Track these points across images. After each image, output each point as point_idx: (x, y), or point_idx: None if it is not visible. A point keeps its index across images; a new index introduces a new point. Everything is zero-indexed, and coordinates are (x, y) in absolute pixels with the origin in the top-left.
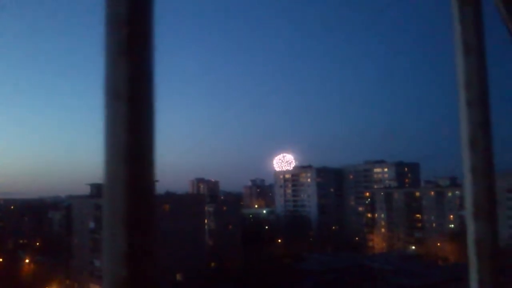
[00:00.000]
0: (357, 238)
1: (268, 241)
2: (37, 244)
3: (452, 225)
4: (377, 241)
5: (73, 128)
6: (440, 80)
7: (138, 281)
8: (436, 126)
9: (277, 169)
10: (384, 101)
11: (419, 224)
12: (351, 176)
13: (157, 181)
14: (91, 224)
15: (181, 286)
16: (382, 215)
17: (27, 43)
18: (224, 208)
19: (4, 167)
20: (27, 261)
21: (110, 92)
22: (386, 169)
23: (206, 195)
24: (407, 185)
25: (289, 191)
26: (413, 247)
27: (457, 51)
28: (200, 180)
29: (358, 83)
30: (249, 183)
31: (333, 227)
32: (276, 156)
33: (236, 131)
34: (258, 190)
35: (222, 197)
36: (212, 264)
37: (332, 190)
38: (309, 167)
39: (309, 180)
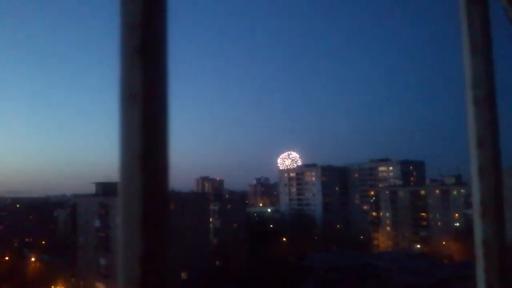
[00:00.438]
0: (362, 237)
1: (273, 240)
2: (43, 242)
3: (458, 224)
4: (382, 240)
5: (80, 127)
6: (446, 78)
7: (153, 283)
8: (441, 124)
9: (282, 167)
10: (389, 99)
11: (424, 223)
12: (356, 175)
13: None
14: (97, 223)
15: (186, 285)
16: (387, 214)
17: (41, 43)
18: (229, 206)
19: (10, 166)
20: (32, 259)
21: (125, 94)
22: (391, 168)
23: (211, 194)
24: (412, 183)
25: (293, 189)
26: (418, 246)
27: (464, 51)
28: (205, 179)
29: (364, 82)
30: (254, 182)
31: (338, 226)
32: (280, 154)
33: (241, 129)
34: (263, 188)
35: (227, 196)
36: (217, 262)
37: (337, 188)
38: (313, 165)
39: (313, 178)
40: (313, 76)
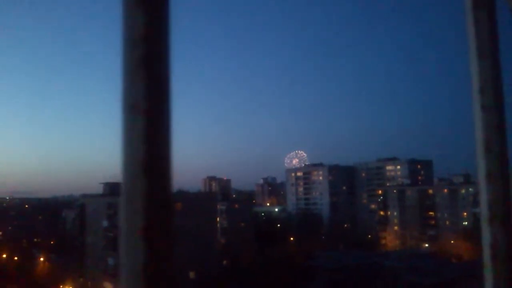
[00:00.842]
0: (369, 236)
1: (280, 239)
2: (51, 242)
3: (466, 223)
4: (390, 239)
5: (87, 129)
6: (454, 78)
7: None
8: (449, 123)
9: (289, 167)
10: (397, 98)
11: (432, 222)
12: (363, 174)
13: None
14: (104, 223)
15: (194, 284)
16: (395, 213)
17: (50, 49)
18: (236, 206)
19: (19, 167)
20: (41, 259)
21: (127, 106)
22: (398, 167)
23: (218, 194)
24: (420, 182)
25: (300, 189)
26: (426, 245)
27: (471, 55)
28: (212, 178)
29: (372, 81)
30: (261, 181)
31: (345, 225)
32: (287, 154)
33: (248, 129)
34: (270, 188)
35: (234, 195)
36: (225, 262)
37: (344, 188)
38: (320, 165)
39: (320, 178)
40: (321, 75)
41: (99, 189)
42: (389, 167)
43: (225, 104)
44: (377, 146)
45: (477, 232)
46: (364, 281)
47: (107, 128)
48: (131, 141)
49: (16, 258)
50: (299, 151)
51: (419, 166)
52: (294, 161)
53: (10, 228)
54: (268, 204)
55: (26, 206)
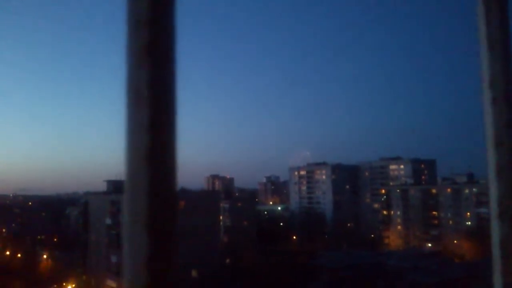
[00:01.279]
0: (372, 235)
1: (283, 238)
2: (55, 240)
3: (469, 222)
4: (393, 238)
5: (91, 126)
6: (458, 76)
7: (160, 285)
8: (453, 123)
9: (292, 165)
10: (400, 97)
11: (436, 221)
12: (366, 173)
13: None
14: (108, 220)
15: (196, 283)
16: (398, 212)
17: (50, 41)
18: (239, 204)
19: (23, 164)
20: (45, 256)
21: (132, 94)
22: (402, 166)
23: (221, 192)
24: (423, 182)
25: (303, 187)
26: (430, 245)
27: (481, 48)
28: (215, 177)
29: (374, 79)
30: (264, 180)
31: (348, 224)
32: (291, 153)
33: (251, 128)
34: (273, 186)
35: (237, 194)
36: (227, 260)
37: (347, 187)
38: (324, 164)
39: (324, 177)
40: (324, 74)
41: (103, 187)
42: (392, 167)
43: (228, 102)
44: (380, 145)
45: (480, 232)
46: (368, 280)
47: (111, 126)
48: (134, 129)
49: (19, 255)
50: (302, 150)
51: (422, 166)
52: (296, 160)
53: (13, 225)
54: (271, 202)
55: (30, 203)
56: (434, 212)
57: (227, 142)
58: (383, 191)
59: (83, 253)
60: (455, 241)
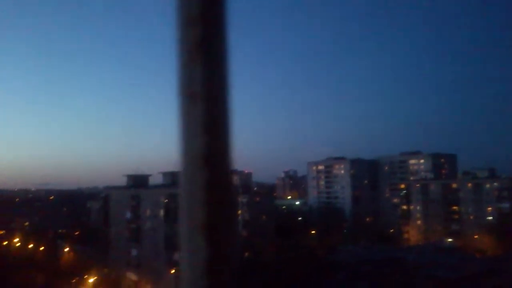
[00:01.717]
0: (391, 230)
1: (302, 233)
2: (76, 233)
3: (490, 217)
4: (413, 233)
5: (111, 121)
6: (479, 69)
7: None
8: (474, 117)
9: (310, 160)
10: (421, 91)
11: (456, 216)
12: (386, 168)
13: None
14: (128, 214)
15: None
16: (418, 207)
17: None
18: (257, 199)
19: (45, 159)
20: (66, 249)
21: (185, 92)
22: (422, 161)
23: (239, 186)
24: (443, 176)
25: (322, 182)
26: (450, 240)
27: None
28: (233, 171)
29: (394, 73)
30: (282, 175)
31: (367, 219)
32: (309, 147)
33: (269, 122)
34: (291, 181)
35: (255, 188)
36: (246, 254)
37: (366, 181)
38: (342, 158)
39: (342, 171)
40: (343, 68)
41: (123, 181)
42: (412, 161)
43: (246, 97)
44: (400, 139)
45: (501, 227)
46: (386, 275)
47: (130, 122)
48: (189, 131)
49: (42, 248)
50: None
51: (443, 160)
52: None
53: (36, 218)
54: (289, 197)
55: (52, 197)
56: (454, 207)
57: (245, 136)
58: (403, 185)
59: (103, 247)
60: (475, 236)
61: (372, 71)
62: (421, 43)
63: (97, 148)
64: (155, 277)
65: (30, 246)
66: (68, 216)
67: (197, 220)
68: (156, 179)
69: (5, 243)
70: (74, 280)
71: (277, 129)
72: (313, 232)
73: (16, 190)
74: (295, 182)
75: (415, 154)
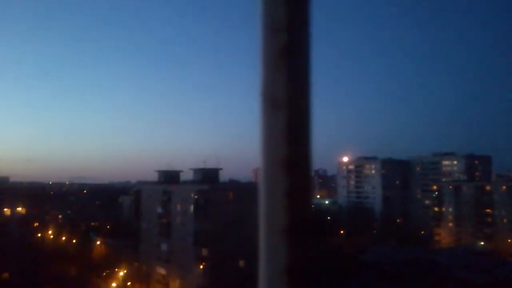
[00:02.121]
0: (422, 232)
1: (331, 232)
2: (108, 227)
3: None
4: (444, 236)
5: (144, 118)
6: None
7: None
8: (510, 118)
9: (341, 159)
10: (455, 91)
11: (489, 219)
12: (418, 168)
13: (221, 169)
14: (159, 210)
15: (243, 272)
16: (450, 209)
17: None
18: None
19: (79, 153)
20: (98, 243)
21: (268, 99)
22: (455, 162)
23: None
24: (477, 178)
25: (352, 182)
26: (482, 243)
27: None
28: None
29: (429, 72)
30: (312, 173)
31: (398, 220)
32: (340, 146)
33: None
34: (321, 180)
35: None
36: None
37: (397, 182)
38: (373, 158)
39: (373, 171)
40: (376, 67)
41: (154, 177)
42: (445, 162)
43: None
44: (434, 140)
45: None
46: (417, 277)
47: (163, 119)
48: (271, 137)
49: (74, 240)
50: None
51: (476, 162)
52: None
53: (69, 212)
54: (318, 196)
55: (85, 191)
56: (487, 210)
57: None
58: (435, 187)
59: (134, 241)
60: (509, 240)
61: (407, 71)
62: (454, 42)
63: (130, 144)
64: (184, 272)
65: (63, 238)
66: (101, 210)
67: (277, 225)
68: (187, 175)
69: (39, 235)
70: (104, 273)
71: None
72: (342, 231)
73: (50, 183)
74: (324, 181)
75: (448, 155)
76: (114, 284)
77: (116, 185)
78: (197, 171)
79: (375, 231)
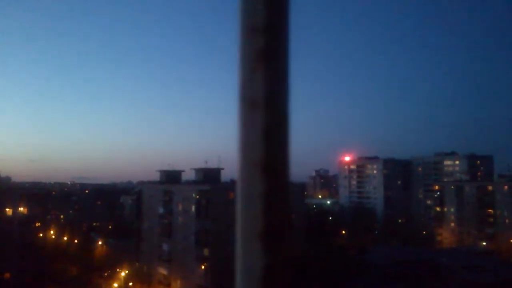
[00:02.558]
0: (424, 232)
1: (332, 232)
2: (109, 227)
3: None
4: (446, 236)
5: (144, 118)
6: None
7: None
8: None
9: (342, 159)
10: (457, 90)
11: (491, 220)
12: (419, 169)
13: (222, 169)
14: (160, 209)
15: None
16: (452, 209)
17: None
18: (288, 197)
19: (80, 154)
20: (99, 243)
21: (245, 100)
22: (457, 162)
23: None
24: (479, 178)
25: (354, 182)
26: (484, 243)
27: None
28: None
29: (431, 71)
30: (313, 174)
31: (400, 220)
32: (341, 146)
33: (301, 121)
34: (322, 180)
35: None
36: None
37: (399, 182)
38: (375, 158)
39: (375, 171)
40: (377, 66)
41: (156, 177)
42: (447, 162)
43: None
44: (435, 140)
45: None
46: (418, 277)
47: (164, 120)
48: (248, 139)
49: (76, 240)
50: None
51: (478, 162)
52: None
53: (71, 212)
54: (320, 196)
55: (87, 191)
56: (489, 210)
57: None
58: (437, 187)
59: (136, 241)
60: (511, 240)
61: (408, 71)
62: (457, 44)
63: (131, 144)
64: (185, 272)
65: (65, 238)
66: (102, 210)
67: (254, 227)
68: (188, 175)
69: (40, 235)
70: (106, 273)
71: (308, 128)
72: (343, 232)
73: (52, 183)
74: (326, 181)
75: (450, 155)
76: (115, 284)
77: (118, 185)
78: (198, 171)
79: (376, 231)
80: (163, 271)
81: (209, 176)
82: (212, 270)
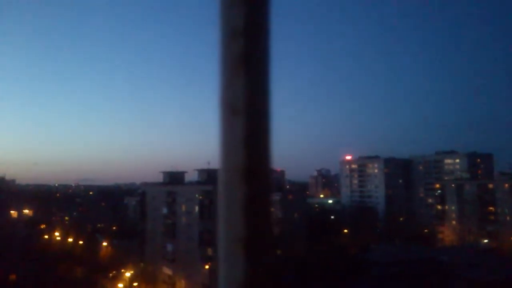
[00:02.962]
0: (426, 230)
1: (334, 231)
2: (114, 228)
3: None
4: (447, 234)
5: (149, 120)
6: None
7: None
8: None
9: (343, 158)
10: (457, 89)
11: (492, 217)
12: (420, 167)
13: None
14: (164, 210)
15: None
16: (453, 207)
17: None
18: (290, 197)
19: (84, 155)
20: (104, 244)
21: (226, 105)
22: (457, 160)
23: (272, 184)
24: (480, 176)
25: (355, 181)
26: (485, 241)
27: None
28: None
29: (431, 71)
30: (315, 173)
31: (401, 219)
32: (342, 146)
33: (302, 121)
34: (324, 180)
35: (288, 186)
36: (278, 251)
37: (400, 181)
38: (376, 157)
39: (376, 170)
40: (379, 67)
41: (159, 178)
42: (447, 161)
43: (279, 97)
44: (436, 138)
45: None
46: (420, 276)
47: (169, 122)
48: (229, 144)
49: (81, 242)
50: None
51: (479, 160)
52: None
53: (75, 213)
54: (321, 195)
55: (91, 193)
56: (490, 208)
57: (278, 135)
58: (438, 185)
59: (140, 242)
60: None
61: (410, 70)
62: (457, 39)
63: (135, 145)
64: (190, 272)
65: (70, 239)
66: (106, 211)
67: (236, 233)
68: (191, 176)
69: (45, 236)
70: (111, 274)
71: (310, 128)
72: (345, 230)
73: (57, 185)
74: (327, 180)
75: (451, 153)
76: (121, 285)
77: (122, 186)
78: (201, 172)
79: (378, 230)
80: (167, 271)
81: (212, 177)
82: (216, 270)
